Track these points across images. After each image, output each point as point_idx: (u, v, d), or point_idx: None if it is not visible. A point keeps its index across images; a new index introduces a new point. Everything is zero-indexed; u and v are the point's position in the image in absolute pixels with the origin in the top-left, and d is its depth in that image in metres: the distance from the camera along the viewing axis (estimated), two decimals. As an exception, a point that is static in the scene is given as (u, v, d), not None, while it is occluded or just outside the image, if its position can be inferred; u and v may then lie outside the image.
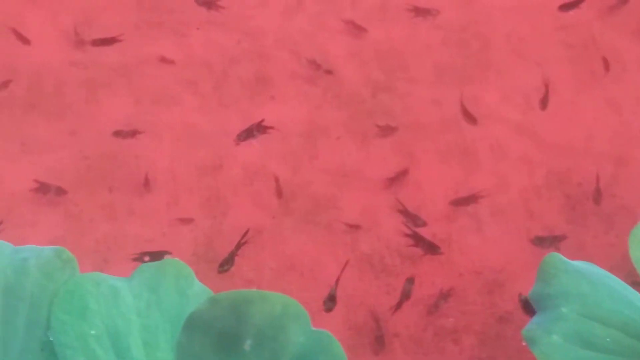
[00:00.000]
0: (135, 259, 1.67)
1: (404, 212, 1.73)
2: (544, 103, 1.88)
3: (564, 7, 2.04)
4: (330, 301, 1.59)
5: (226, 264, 1.65)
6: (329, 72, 1.97)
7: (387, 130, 1.88)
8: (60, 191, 1.75)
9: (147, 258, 1.65)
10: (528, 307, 1.60)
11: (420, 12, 2.05)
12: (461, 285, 1.66)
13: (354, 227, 1.73)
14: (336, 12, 2.08)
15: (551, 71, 1.97)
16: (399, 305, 1.62)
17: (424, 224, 1.71)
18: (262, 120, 1.86)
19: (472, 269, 1.68)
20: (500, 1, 2.08)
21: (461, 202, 1.77)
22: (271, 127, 1.86)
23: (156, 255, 1.66)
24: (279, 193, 1.77)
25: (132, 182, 1.79)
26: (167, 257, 1.64)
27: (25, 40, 1.97)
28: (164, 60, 1.98)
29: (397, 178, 1.80)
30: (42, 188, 1.75)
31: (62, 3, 2.05)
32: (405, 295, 1.64)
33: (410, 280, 1.66)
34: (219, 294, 0.76)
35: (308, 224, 1.75)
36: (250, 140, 1.85)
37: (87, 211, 1.75)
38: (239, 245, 1.68)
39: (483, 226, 1.74)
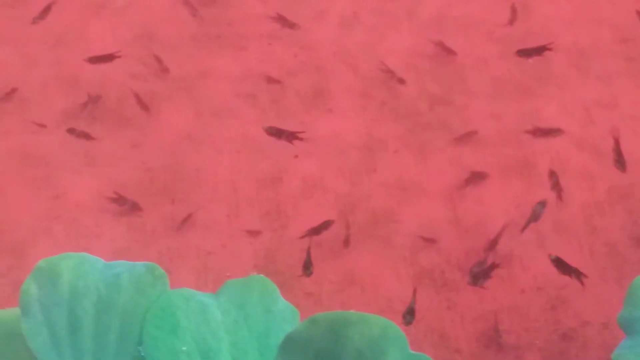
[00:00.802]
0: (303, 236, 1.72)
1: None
2: (620, 163, 1.81)
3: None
4: (409, 315, 1.58)
5: (308, 267, 1.66)
6: (386, 84, 1.98)
7: (445, 144, 1.88)
8: (136, 207, 1.78)
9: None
10: (561, 266, 1.64)
11: (476, 23, 2.06)
12: (523, 302, 1.65)
13: (414, 241, 1.73)
14: (392, 25, 2.09)
15: (612, 84, 1.95)
16: (525, 226, 1.71)
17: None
18: (296, 133, 1.87)
19: (534, 285, 1.67)
20: (559, 13, 2.07)
21: (522, 216, 1.76)
22: (300, 139, 1.86)
23: (322, 227, 1.73)
24: (338, 206, 1.78)
25: (193, 193, 1.82)
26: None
27: (88, 54, 2.01)
28: (223, 73, 2.00)
29: (456, 192, 1.80)
30: (119, 200, 1.78)
31: (122, 17, 2.09)
32: (534, 217, 1.73)
33: (542, 204, 1.74)
34: (317, 315, 0.77)
35: (367, 238, 1.76)
36: (274, 139, 1.87)
37: (150, 223, 1.78)
38: (309, 247, 1.70)
39: (545, 242, 1.73)
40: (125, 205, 1.79)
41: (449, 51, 2.03)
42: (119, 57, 1.99)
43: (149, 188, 1.83)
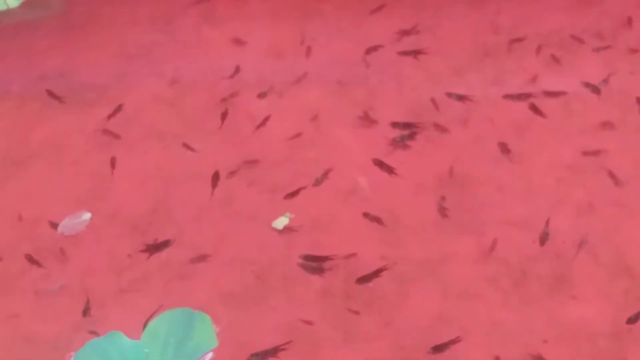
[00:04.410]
0: None
1: None
2: None
3: None
4: None
5: None
6: (628, 273, 2.04)
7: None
8: None
9: None
10: None
11: None
12: None
13: None
14: (629, 216, 2.17)
15: None
16: None
17: None
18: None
19: None
20: None
21: None
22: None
23: None
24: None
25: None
26: None
27: (341, 237, 2.21)
28: (464, 257, 2.14)
29: None
30: None
31: (369, 203, 2.29)
32: None
33: None
34: None
35: None
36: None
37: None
38: None
39: None
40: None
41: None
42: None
43: (404, 366, 1.94)
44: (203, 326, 1.52)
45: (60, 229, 2.21)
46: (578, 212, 2.19)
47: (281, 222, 2.22)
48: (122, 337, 1.52)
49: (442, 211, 2.24)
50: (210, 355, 1.80)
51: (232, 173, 2.36)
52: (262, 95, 2.58)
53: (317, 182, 2.34)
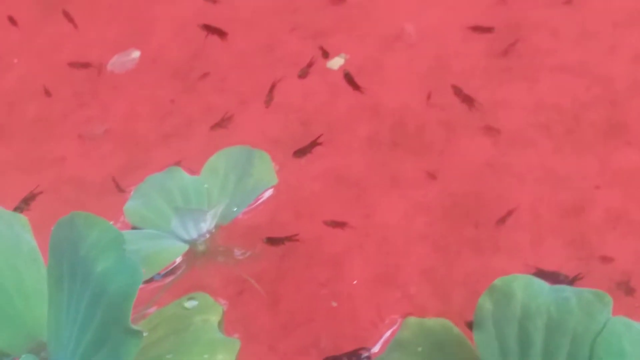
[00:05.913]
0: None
1: None
2: None
3: None
4: None
5: None
6: (684, 120, 1.98)
7: None
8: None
9: None
10: None
11: None
12: None
13: None
14: (690, 60, 2.08)
15: None
16: None
17: None
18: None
19: None
20: None
21: None
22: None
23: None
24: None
25: (496, 219, 1.90)
26: None
27: (386, 85, 2.16)
28: (516, 103, 2.08)
29: None
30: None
31: (416, 50, 2.22)
32: None
33: None
34: None
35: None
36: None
37: (455, 244, 1.88)
38: None
39: None
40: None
41: None
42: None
43: (452, 211, 1.93)
44: (262, 163, 1.50)
45: (110, 66, 2.15)
46: (634, 58, 2.11)
47: (336, 62, 2.15)
48: (182, 172, 1.51)
49: (493, 56, 2.16)
50: (270, 192, 1.80)
51: (272, 18, 2.28)
52: None
53: (361, 29, 2.25)
